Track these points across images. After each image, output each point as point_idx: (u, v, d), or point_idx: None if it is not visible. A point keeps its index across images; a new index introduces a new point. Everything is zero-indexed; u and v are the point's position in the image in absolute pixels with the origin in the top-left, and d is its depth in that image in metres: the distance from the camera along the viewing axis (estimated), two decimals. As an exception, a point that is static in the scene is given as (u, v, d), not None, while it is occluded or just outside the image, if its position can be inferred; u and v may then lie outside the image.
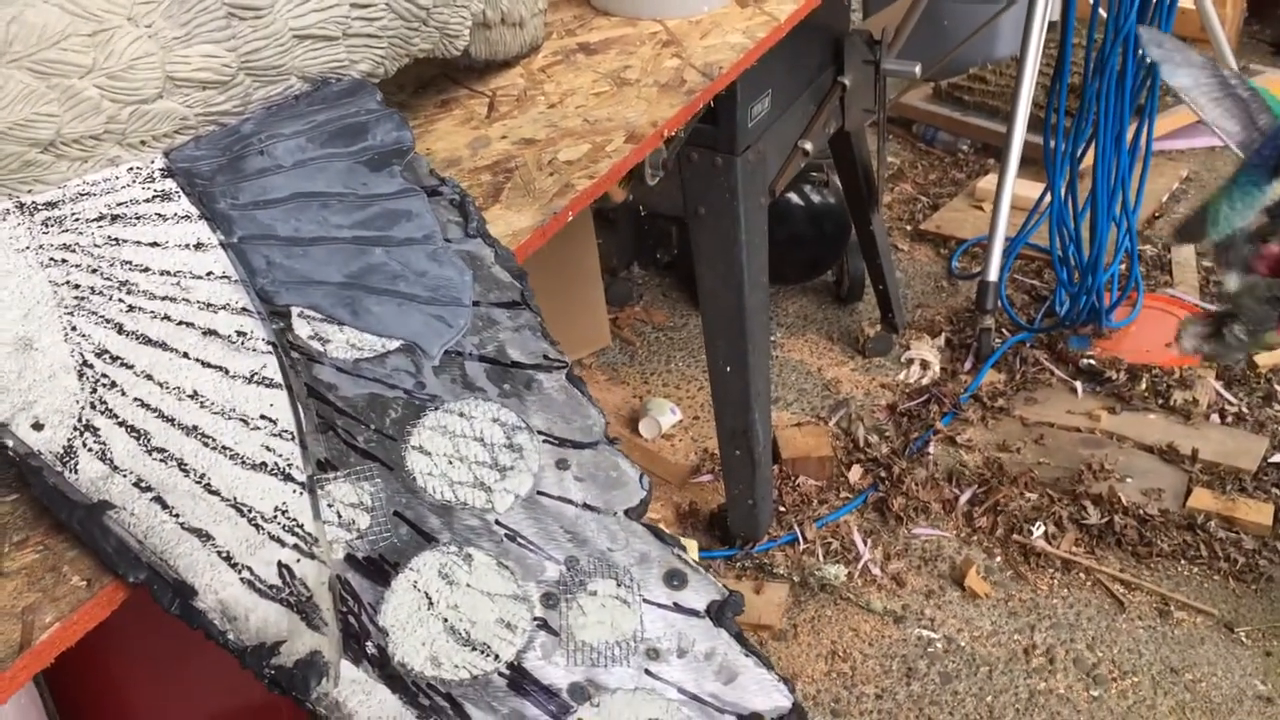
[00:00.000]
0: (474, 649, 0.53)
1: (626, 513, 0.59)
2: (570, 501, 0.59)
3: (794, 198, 2.60)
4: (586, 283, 2.51)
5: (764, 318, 1.95)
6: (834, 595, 1.96)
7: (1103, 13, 2.21)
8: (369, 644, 0.53)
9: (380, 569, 0.55)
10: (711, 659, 0.55)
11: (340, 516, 0.56)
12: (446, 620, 0.54)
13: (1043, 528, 2.04)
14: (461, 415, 0.61)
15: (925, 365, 2.49)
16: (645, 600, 0.56)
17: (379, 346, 0.62)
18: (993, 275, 2.44)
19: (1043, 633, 1.87)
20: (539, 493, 0.59)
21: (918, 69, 2.19)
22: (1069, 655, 1.83)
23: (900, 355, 2.53)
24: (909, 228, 3.04)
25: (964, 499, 2.12)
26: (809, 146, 2.01)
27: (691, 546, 2.05)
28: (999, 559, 2.02)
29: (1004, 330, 2.55)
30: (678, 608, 0.56)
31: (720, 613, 0.56)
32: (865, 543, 2.05)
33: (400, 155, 0.71)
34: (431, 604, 0.54)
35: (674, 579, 0.57)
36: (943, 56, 3.19)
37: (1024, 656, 1.83)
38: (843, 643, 1.88)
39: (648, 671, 0.54)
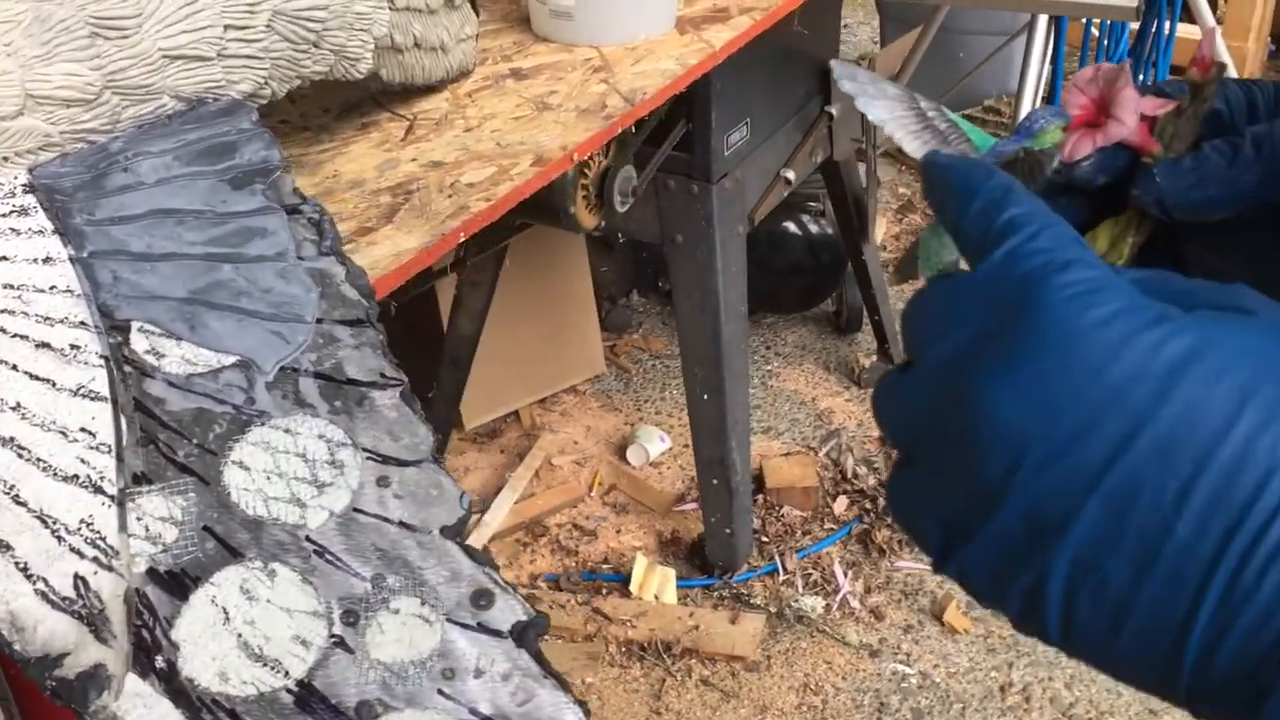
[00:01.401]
0: (265, 665, 0.53)
1: (443, 531, 0.59)
2: (387, 519, 0.59)
3: (791, 227, 2.60)
4: (580, 309, 2.51)
5: (742, 347, 1.94)
6: (810, 627, 1.94)
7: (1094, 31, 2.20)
8: (159, 658, 0.53)
9: (181, 583, 0.55)
10: (509, 680, 0.54)
11: (148, 530, 0.57)
12: (241, 635, 0.54)
13: (1027, 563, 2.00)
14: (287, 431, 0.61)
15: (920, 396, 2.46)
16: (448, 619, 0.56)
17: (214, 362, 0.63)
18: (988, 306, 2.41)
19: (1020, 670, 1.83)
20: (356, 509, 0.59)
21: (906, 98, 2.17)
22: (1046, 694, 1.79)
23: (896, 386, 2.51)
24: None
25: (949, 532, 2.09)
26: (791, 175, 2.00)
27: (669, 575, 2.04)
28: (981, 594, 1.98)
29: (1001, 362, 2.52)
30: (481, 628, 0.56)
31: (523, 633, 0.55)
32: (845, 575, 2.02)
33: (266, 174, 0.72)
34: (228, 619, 0.54)
35: (481, 599, 0.56)
36: (950, 88, 3.18)
37: (999, 694, 1.79)
38: (816, 676, 1.85)
39: (441, 691, 0.54)
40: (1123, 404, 0.29)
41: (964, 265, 0.37)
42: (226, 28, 0.75)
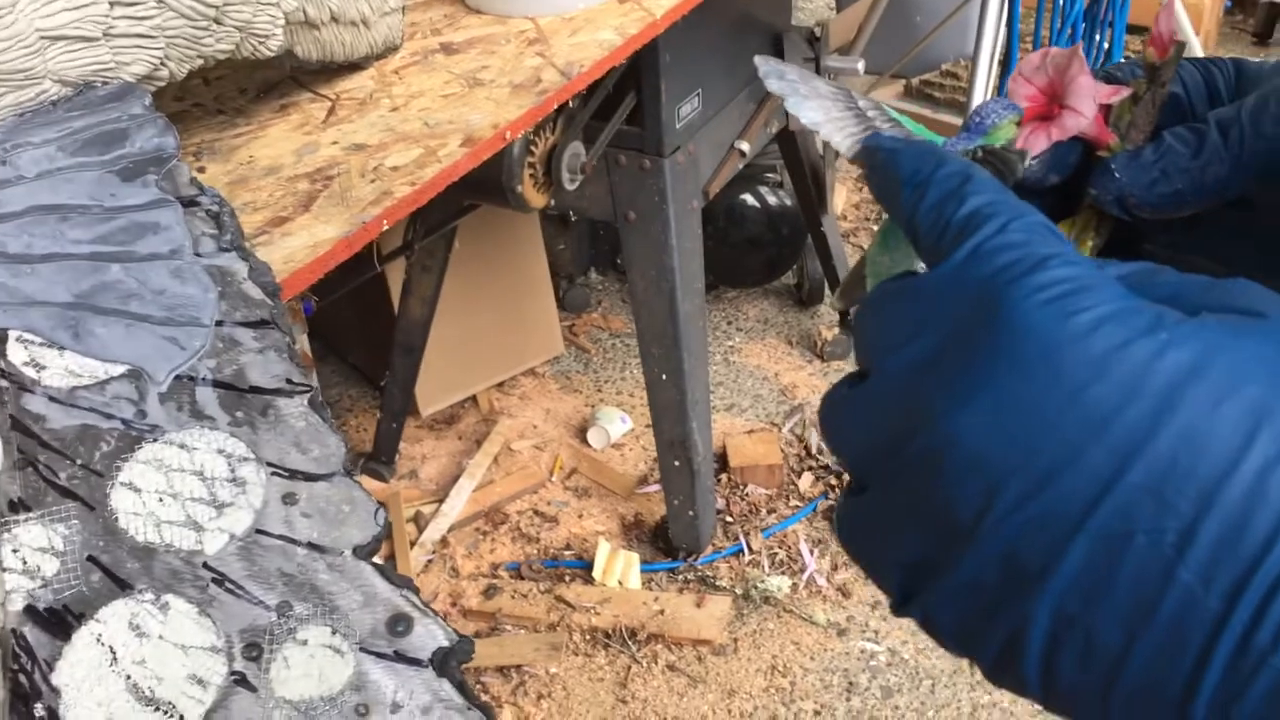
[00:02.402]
0: (157, 709, 0.48)
1: (355, 551, 0.54)
2: (294, 540, 0.54)
3: (749, 200, 2.55)
4: (536, 289, 2.46)
5: (700, 324, 1.89)
6: (777, 608, 1.91)
7: None
8: (38, 706, 0.48)
9: (62, 621, 0.50)
10: (430, 713, 0.50)
11: (25, 563, 0.51)
12: (130, 677, 0.49)
13: (994, 535, 1.98)
14: (182, 447, 0.55)
15: (883, 368, 2.43)
16: (362, 649, 0.51)
17: (101, 373, 0.57)
18: (950, 275, 2.38)
19: (989, 644, 1.80)
20: (259, 531, 0.54)
21: (861, 65, 2.13)
22: (1015, 668, 1.76)
23: (859, 358, 2.48)
24: (875, 228, 2.98)
25: (915, 506, 2.06)
26: (746, 147, 1.96)
27: (633, 560, 2.00)
28: (949, 568, 1.96)
29: (964, 330, 2.49)
30: (399, 656, 0.51)
31: (445, 661, 0.51)
32: (812, 553, 1.99)
33: (160, 163, 0.66)
34: (115, 659, 0.49)
35: (399, 624, 0.52)
36: (906, 53, 3.14)
37: (969, 668, 1.77)
38: (783, 657, 1.82)
39: (353, 730, 0.49)
40: (1111, 431, 0.25)
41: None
42: (113, 4, 0.68)
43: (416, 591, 0.53)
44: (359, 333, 2.44)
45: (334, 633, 0.51)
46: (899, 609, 0.30)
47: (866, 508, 0.30)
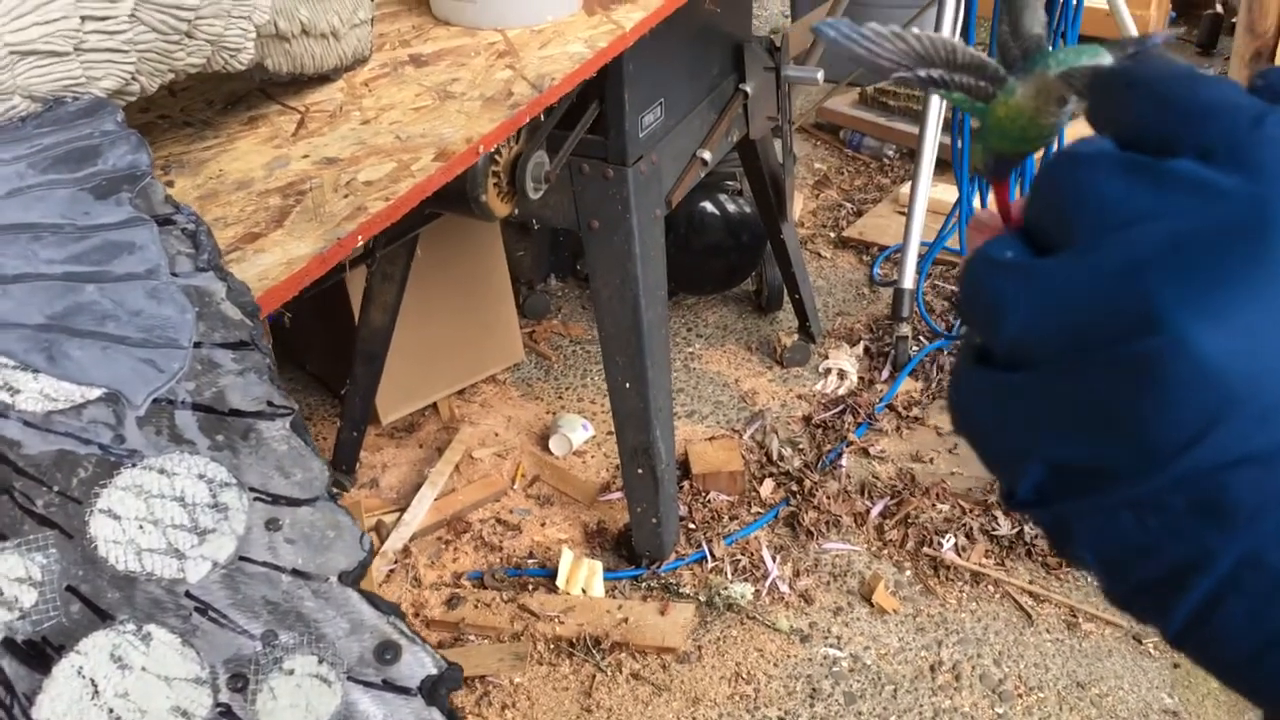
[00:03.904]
0: (141, 742, 0.48)
1: (341, 577, 0.53)
2: (278, 567, 0.53)
3: (710, 207, 2.56)
4: (496, 297, 2.45)
5: (663, 332, 1.90)
6: (740, 615, 1.91)
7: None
8: (18, 741, 0.47)
9: (42, 653, 0.49)
10: (419, 743, 0.49)
11: (2, 594, 0.50)
12: (112, 711, 0.48)
13: (953, 539, 2.00)
14: (162, 472, 0.55)
15: (842, 375, 2.45)
16: (350, 678, 0.51)
17: (77, 396, 0.56)
18: (907, 283, 2.41)
19: (950, 648, 1.82)
20: (243, 558, 0.53)
21: (820, 75, 2.15)
22: (975, 671, 1.79)
23: (819, 365, 2.49)
24: (832, 234, 3.00)
25: (875, 511, 2.07)
26: (708, 156, 1.96)
27: (596, 568, 2.00)
28: (909, 573, 1.97)
29: (922, 338, 2.52)
30: (387, 685, 0.51)
31: (434, 689, 0.50)
32: (774, 560, 2.00)
33: (133, 180, 0.65)
34: (97, 692, 0.48)
35: (386, 652, 0.51)
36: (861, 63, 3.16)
37: (930, 674, 1.79)
38: (747, 664, 1.83)
39: (343, 761, 0.48)
40: None
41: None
42: (84, 19, 0.67)
43: (404, 618, 0.52)
44: (318, 341, 2.42)
45: (321, 661, 0.51)
46: (1020, 505, 0.27)
47: (1018, 389, 0.26)
